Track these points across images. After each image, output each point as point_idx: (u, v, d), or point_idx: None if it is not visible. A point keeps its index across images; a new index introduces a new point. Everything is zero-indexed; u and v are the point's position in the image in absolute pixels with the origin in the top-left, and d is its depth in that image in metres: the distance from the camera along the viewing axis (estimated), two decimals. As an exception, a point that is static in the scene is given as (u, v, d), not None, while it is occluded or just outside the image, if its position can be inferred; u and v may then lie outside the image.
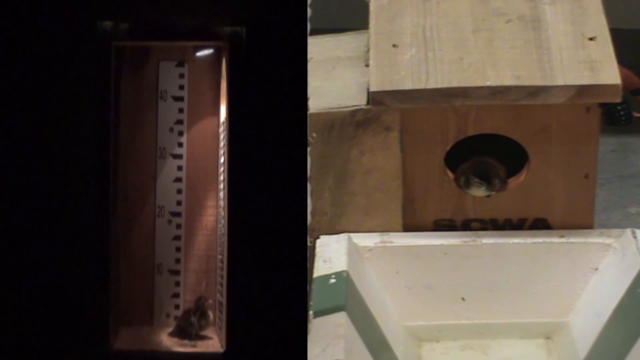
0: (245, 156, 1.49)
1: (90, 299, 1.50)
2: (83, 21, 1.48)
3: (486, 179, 1.66)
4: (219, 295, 1.60)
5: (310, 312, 1.50)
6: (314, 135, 1.63)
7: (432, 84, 1.58)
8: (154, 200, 1.67)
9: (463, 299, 1.68)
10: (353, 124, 1.64)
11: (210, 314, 1.61)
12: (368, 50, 1.66)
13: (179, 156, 1.67)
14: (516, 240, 1.67)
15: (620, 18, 2.03)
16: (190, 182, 1.67)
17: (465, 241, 1.67)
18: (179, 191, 1.67)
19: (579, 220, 1.68)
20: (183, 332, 1.61)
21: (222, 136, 1.62)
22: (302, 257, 1.49)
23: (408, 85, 1.59)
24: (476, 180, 1.65)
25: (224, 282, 1.53)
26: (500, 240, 1.67)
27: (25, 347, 1.48)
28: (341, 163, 1.66)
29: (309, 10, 1.49)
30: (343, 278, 1.57)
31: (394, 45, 1.64)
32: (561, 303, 1.67)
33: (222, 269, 1.57)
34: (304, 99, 1.49)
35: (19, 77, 1.47)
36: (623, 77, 1.58)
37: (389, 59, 1.62)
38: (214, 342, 1.59)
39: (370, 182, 1.67)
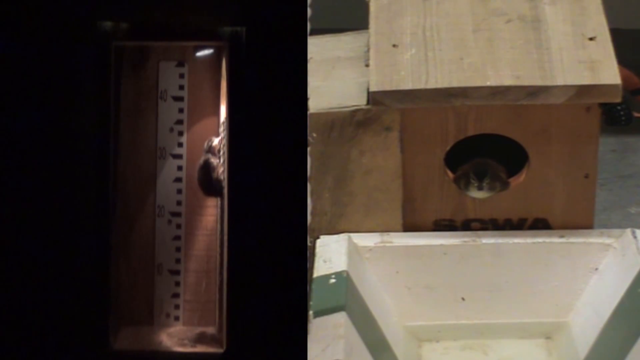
0: (245, 156, 1.49)
1: (90, 299, 1.50)
2: (83, 21, 1.48)
3: (486, 181, 1.66)
4: (219, 295, 1.60)
5: (310, 312, 1.50)
6: (314, 135, 1.63)
7: (432, 84, 1.58)
8: (154, 200, 1.67)
9: (463, 299, 1.68)
10: (353, 124, 1.64)
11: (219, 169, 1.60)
12: (368, 50, 1.66)
13: (179, 156, 1.67)
14: (516, 240, 1.67)
15: (620, 18, 2.03)
16: (190, 182, 1.67)
17: (465, 241, 1.67)
18: (179, 191, 1.67)
19: (579, 220, 1.68)
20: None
21: (222, 136, 1.62)
22: (302, 257, 1.49)
23: (408, 85, 1.59)
24: (476, 184, 1.65)
25: (224, 282, 1.53)
26: (500, 240, 1.67)
27: (25, 347, 1.48)
28: (341, 163, 1.66)
29: (309, 10, 1.49)
30: (343, 278, 1.57)
31: (394, 45, 1.64)
32: (561, 303, 1.67)
33: (222, 269, 1.57)
34: (304, 99, 1.49)
35: (18, 77, 1.47)
36: (623, 77, 1.58)
37: (389, 59, 1.62)
38: (213, 342, 1.59)
39: (370, 182, 1.67)
